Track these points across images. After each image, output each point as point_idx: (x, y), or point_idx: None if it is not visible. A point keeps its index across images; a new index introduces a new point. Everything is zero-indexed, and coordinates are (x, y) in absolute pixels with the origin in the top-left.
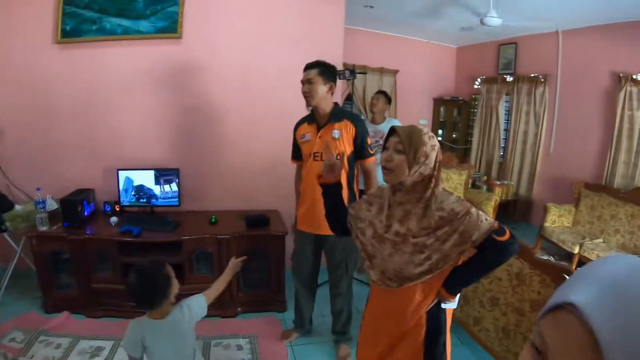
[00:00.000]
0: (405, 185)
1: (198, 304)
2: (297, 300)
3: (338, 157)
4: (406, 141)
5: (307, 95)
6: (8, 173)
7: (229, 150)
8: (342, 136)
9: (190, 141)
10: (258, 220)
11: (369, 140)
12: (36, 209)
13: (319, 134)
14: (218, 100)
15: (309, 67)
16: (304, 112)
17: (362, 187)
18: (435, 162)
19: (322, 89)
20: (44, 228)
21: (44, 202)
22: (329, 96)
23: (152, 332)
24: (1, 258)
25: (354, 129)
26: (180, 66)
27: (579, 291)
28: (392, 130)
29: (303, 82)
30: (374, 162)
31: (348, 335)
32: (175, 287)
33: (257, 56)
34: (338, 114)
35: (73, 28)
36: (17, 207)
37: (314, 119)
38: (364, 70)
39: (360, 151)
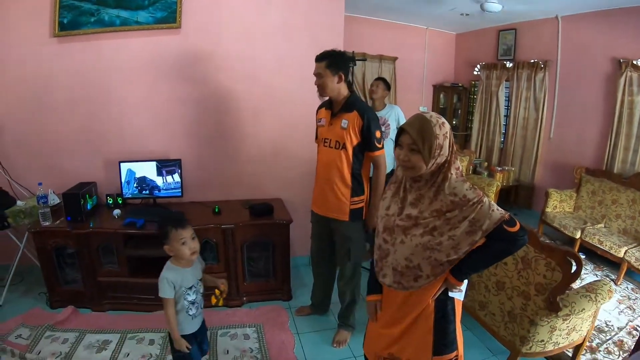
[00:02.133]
0: (424, 176)
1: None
2: (314, 280)
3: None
4: (419, 140)
5: (319, 88)
6: (9, 169)
7: (231, 140)
8: (349, 127)
9: (192, 131)
10: (262, 209)
11: (377, 134)
12: (38, 204)
13: (329, 122)
14: (218, 90)
15: (318, 59)
16: (305, 101)
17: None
18: (449, 147)
19: (331, 80)
20: (47, 223)
21: (45, 197)
22: (340, 85)
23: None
24: (5, 255)
25: (361, 120)
26: (180, 56)
27: None
28: (402, 129)
29: (314, 74)
30: (382, 155)
31: (349, 322)
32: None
33: (257, 45)
34: (350, 104)
35: (71, 20)
36: (19, 202)
37: (331, 105)
38: (364, 57)
39: (367, 143)
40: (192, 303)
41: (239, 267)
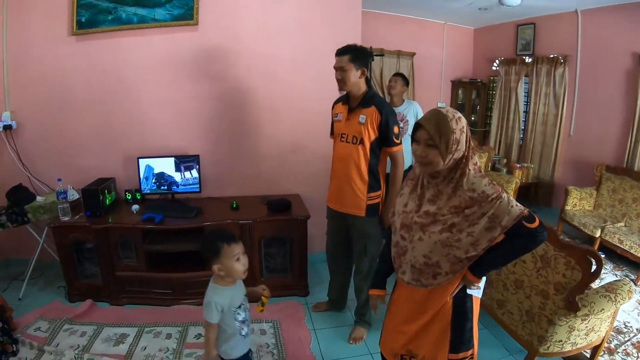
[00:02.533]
0: (442, 172)
1: None
2: (330, 276)
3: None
4: (436, 135)
5: (340, 82)
6: (28, 165)
7: (249, 135)
8: (367, 122)
9: (210, 128)
10: (280, 205)
11: (395, 129)
12: (58, 199)
13: (347, 117)
14: (236, 86)
15: (340, 53)
16: (321, 97)
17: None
18: (466, 142)
19: (354, 74)
20: (66, 218)
21: (65, 192)
22: (361, 81)
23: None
24: (25, 249)
25: (379, 116)
26: (198, 53)
27: None
28: (419, 124)
29: (335, 68)
30: (400, 151)
31: (365, 318)
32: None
33: (274, 41)
34: (368, 99)
35: (88, 19)
36: (39, 198)
37: (348, 100)
38: (381, 53)
39: (385, 139)
40: (243, 322)
41: (257, 262)
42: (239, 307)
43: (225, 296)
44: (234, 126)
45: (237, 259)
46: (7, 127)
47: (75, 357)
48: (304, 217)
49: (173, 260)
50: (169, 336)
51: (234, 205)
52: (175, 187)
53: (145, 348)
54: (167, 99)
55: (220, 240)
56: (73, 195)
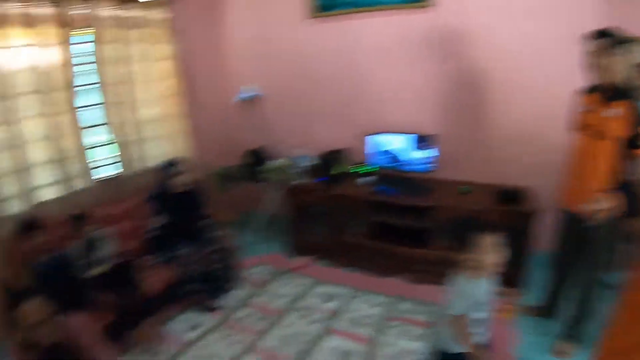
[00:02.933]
0: None
1: None
2: (549, 281)
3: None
4: None
5: (599, 70)
6: (270, 131)
7: (482, 120)
8: (621, 117)
9: (443, 109)
10: (509, 196)
11: None
12: (294, 164)
13: (597, 109)
14: (471, 70)
15: (600, 36)
16: (565, 84)
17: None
18: None
19: (619, 62)
20: (300, 181)
21: (301, 158)
22: (623, 70)
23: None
24: (257, 204)
25: (635, 112)
26: (431, 34)
27: None
28: None
29: (593, 53)
30: None
31: (575, 333)
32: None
33: (514, 23)
34: (624, 91)
35: (326, 3)
36: (277, 161)
37: (598, 91)
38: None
39: (635, 138)
40: (479, 321)
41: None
42: (482, 304)
43: (474, 288)
44: (466, 110)
45: (491, 251)
46: (253, 96)
47: (286, 304)
48: (533, 212)
49: (395, 234)
50: (378, 304)
51: (464, 190)
52: (407, 165)
53: (352, 311)
54: (400, 79)
55: (474, 230)
56: (307, 161)
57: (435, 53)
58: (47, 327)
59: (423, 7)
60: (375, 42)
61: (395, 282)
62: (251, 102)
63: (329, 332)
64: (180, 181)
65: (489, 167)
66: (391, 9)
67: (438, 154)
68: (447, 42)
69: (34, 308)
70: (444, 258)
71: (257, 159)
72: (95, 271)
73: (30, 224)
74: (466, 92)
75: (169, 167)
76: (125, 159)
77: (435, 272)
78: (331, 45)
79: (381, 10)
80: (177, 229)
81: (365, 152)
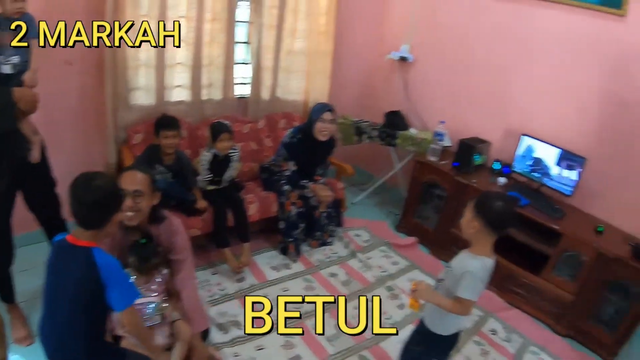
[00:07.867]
0: None
1: None
2: None
3: None
4: None
5: None
6: (413, 99)
7: None
8: None
9: (605, 134)
10: None
11: None
12: (433, 139)
13: None
14: None
15: None
16: None
17: None
18: None
19: None
20: (433, 159)
21: (442, 135)
22: None
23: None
24: (379, 168)
25: None
26: (621, 48)
27: None
28: None
29: None
30: None
31: None
32: None
33: None
34: None
35: None
36: (412, 130)
37: None
38: None
39: None
40: None
41: (588, 302)
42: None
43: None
44: (627, 141)
45: None
46: (403, 59)
47: (376, 278)
48: None
49: (510, 246)
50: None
51: (600, 229)
52: (547, 179)
53: None
54: (565, 85)
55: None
56: (447, 141)
57: (618, 71)
58: (146, 201)
59: (616, 14)
60: (547, 36)
61: (490, 295)
62: (401, 64)
63: (408, 322)
64: (328, 129)
65: (635, 213)
66: (579, 6)
67: (579, 179)
68: (627, 60)
69: (137, 176)
70: (553, 293)
71: (396, 122)
72: (211, 187)
73: (170, 121)
74: (632, 122)
75: (323, 110)
76: (255, 83)
77: (536, 304)
78: (498, 27)
79: (567, 4)
80: (299, 171)
81: (509, 151)
